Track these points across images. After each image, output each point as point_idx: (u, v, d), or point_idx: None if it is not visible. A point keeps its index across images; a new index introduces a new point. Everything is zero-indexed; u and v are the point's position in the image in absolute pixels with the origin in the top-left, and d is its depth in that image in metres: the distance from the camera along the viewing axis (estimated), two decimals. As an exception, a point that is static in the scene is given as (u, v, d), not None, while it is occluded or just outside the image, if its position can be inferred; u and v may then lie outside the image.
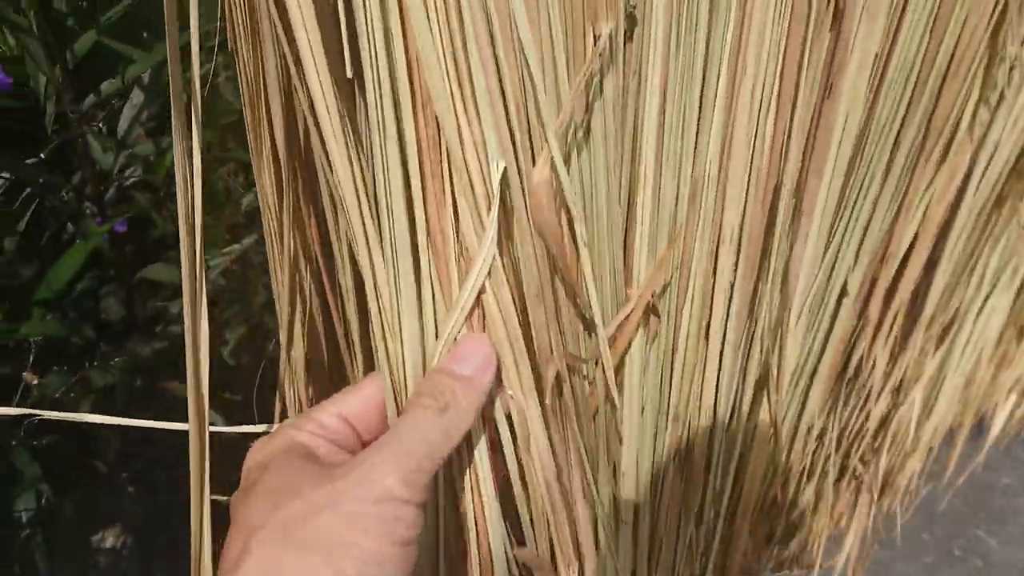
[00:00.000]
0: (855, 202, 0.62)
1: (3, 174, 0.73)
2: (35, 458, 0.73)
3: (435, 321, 0.35)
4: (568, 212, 0.38)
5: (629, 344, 0.47)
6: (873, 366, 0.79)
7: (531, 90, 0.32)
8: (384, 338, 0.34)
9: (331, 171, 0.30)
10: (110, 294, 0.89)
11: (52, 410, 0.72)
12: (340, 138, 0.30)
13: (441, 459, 0.33)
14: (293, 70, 0.30)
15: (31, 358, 0.62)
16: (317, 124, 0.30)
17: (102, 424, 0.43)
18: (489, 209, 0.32)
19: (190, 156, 0.28)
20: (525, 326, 0.37)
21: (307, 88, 0.28)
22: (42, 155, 0.68)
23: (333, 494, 0.30)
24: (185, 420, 0.46)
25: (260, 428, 0.38)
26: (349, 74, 0.29)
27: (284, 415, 0.43)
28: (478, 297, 0.35)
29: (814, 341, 0.71)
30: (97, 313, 0.85)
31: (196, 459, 0.31)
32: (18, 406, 0.60)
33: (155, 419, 0.57)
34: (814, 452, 0.85)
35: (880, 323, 0.75)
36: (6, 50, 0.62)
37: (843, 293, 0.69)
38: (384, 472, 0.31)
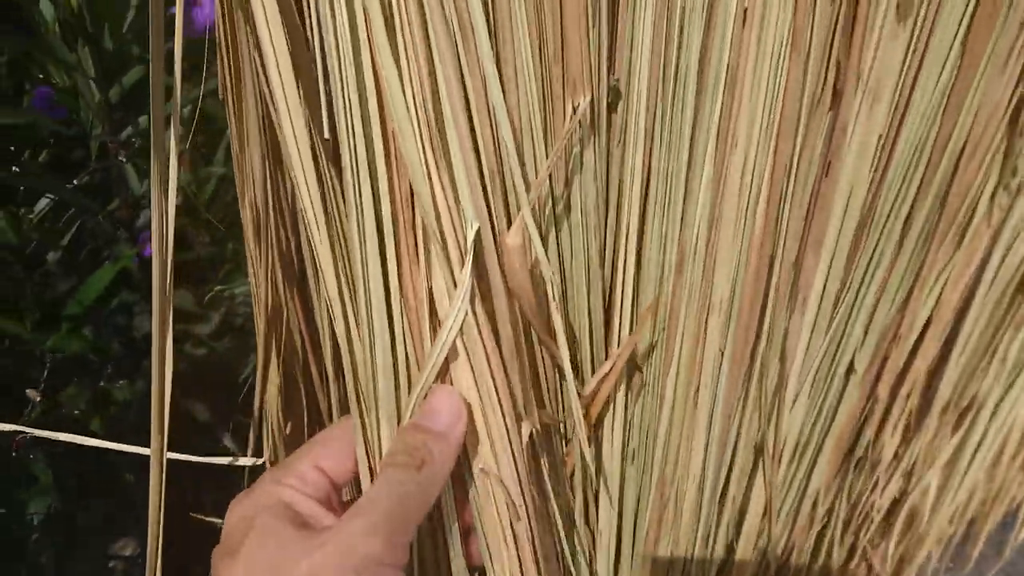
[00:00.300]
0: (863, 280, 0.61)
1: (50, 195, 0.78)
2: (52, 464, 0.76)
3: (408, 381, 0.36)
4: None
5: (609, 404, 0.48)
6: (884, 447, 0.78)
7: (505, 158, 0.33)
8: (360, 401, 0.35)
9: (307, 224, 0.32)
10: (144, 312, 0.93)
11: (68, 422, 0.75)
12: (317, 195, 0.31)
13: (422, 514, 0.34)
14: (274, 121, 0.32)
15: (45, 372, 0.65)
16: (293, 178, 0.31)
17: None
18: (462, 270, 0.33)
19: (166, 189, 0.31)
20: (499, 384, 0.37)
21: (285, 144, 0.30)
22: (76, 180, 0.72)
23: (316, 567, 0.31)
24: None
25: (223, 460, 0.39)
26: (327, 135, 0.31)
27: (258, 448, 0.44)
28: (451, 356, 0.36)
29: (819, 416, 0.70)
30: (130, 331, 0.89)
31: (155, 483, 0.33)
32: (31, 416, 0.63)
33: (177, 436, 0.59)
34: (820, 532, 0.83)
35: (891, 404, 0.74)
36: (60, 83, 0.67)
37: (850, 370, 0.68)
38: (366, 539, 0.31)
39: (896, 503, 0.86)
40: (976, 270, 0.67)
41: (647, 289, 0.47)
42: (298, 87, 0.31)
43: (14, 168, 0.74)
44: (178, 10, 0.31)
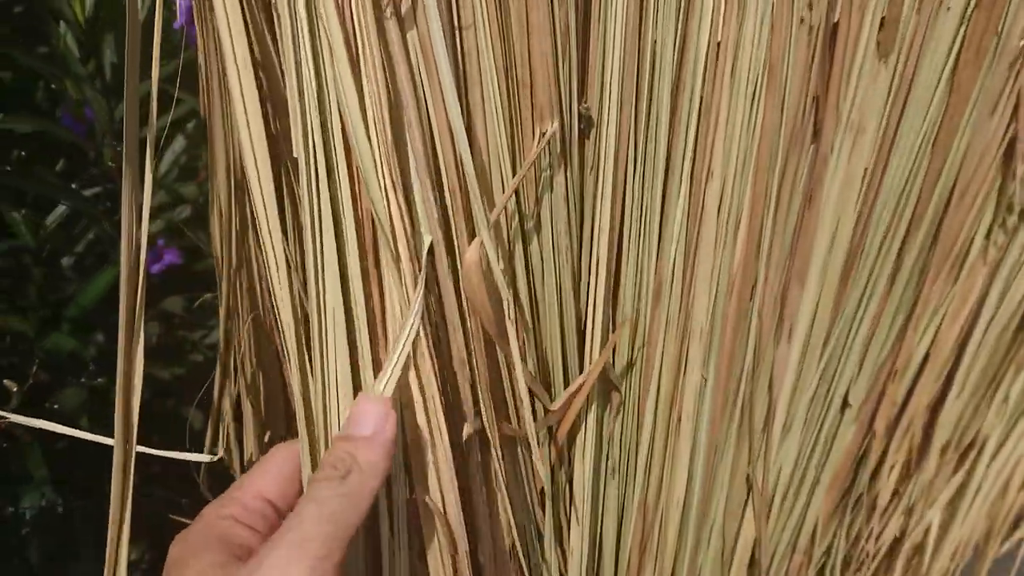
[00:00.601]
0: (855, 311, 0.62)
1: (65, 203, 0.81)
2: (49, 461, 0.78)
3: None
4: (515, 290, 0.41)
5: (581, 421, 0.49)
6: (883, 484, 0.78)
7: (468, 178, 0.35)
8: (308, 417, 0.36)
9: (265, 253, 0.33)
10: (153, 319, 0.96)
11: (60, 420, 0.77)
12: (275, 215, 0.33)
13: (352, 528, 0.33)
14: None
15: (34, 367, 0.67)
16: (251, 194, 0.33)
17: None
18: (416, 286, 0.35)
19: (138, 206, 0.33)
20: (448, 396, 0.39)
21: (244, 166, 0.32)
22: (87, 191, 0.75)
23: None
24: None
25: (192, 456, 0.41)
26: (296, 154, 0.33)
27: (214, 444, 0.46)
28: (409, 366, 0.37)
29: (813, 451, 0.70)
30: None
31: (118, 479, 0.35)
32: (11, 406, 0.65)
33: (168, 441, 0.61)
34: (819, 570, 0.83)
35: (889, 440, 0.74)
36: (76, 95, 0.70)
37: (845, 404, 0.69)
38: (288, 567, 0.30)
39: (897, 541, 0.86)
40: (974, 306, 0.67)
41: (624, 311, 0.48)
42: (262, 109, 0.32)
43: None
44: (156, 33, 0.33)
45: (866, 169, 0.51)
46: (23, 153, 0.77)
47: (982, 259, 0.63)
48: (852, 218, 0.53)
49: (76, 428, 0.68)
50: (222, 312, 0.43)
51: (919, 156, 0.53)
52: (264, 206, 0.33)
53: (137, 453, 0.38)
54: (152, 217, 0.84)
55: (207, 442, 0.45)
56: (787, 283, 0.55)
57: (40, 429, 0.66)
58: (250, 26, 0.31)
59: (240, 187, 0.39)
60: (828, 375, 0.65)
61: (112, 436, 0.38)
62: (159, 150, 0.77)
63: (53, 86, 0.73)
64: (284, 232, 0.33)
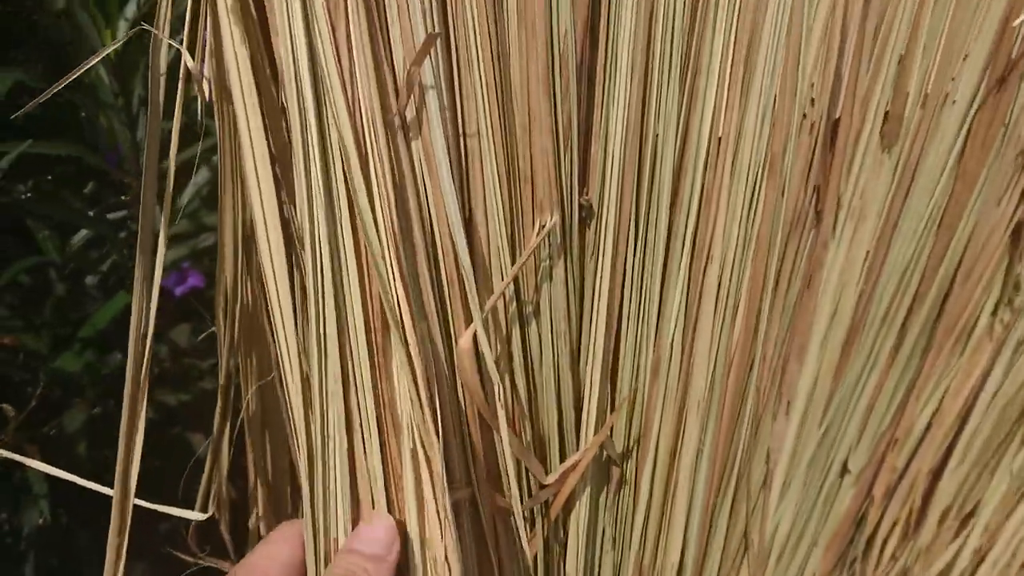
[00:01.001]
0: (856, 382, 0.63)
1: (87, 229, 0.84)
2: (51, 479, 0.81)
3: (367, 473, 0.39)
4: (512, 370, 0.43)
5: (576, 496, 0.50)
6: (881, 549, 0.79)
7: (463, 272, 0.37)
8: (312, 501, 0.38)
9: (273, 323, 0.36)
10: (163, 343, 0.98)
11: (63, 443, 0.80)
12: (286, 291, 0.35)
13: None
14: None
15: (39, 389, 0.70)
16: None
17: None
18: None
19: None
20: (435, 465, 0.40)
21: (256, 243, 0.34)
22: (104, 212, 0.78)
23: None
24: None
25: (184, 512, 0.43)
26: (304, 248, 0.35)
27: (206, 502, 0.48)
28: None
29: (811, 515, 0.71)
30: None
31: (115, 528, 0.37)
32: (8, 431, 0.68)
33: (171, 468, 0.64)
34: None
35: (888, 504, 0.75)
36: (106, 125, 0.73)
37: (844, 471, 0.70)
38: None
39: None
40: (979, 380, 0.68)
41: (623, 388, 0.50)
42: (277, 197, 0.35)
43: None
44: (178, 104, 0.35)
45: (868, 252, 0.52)
46: (48, 177, 0.81)
47: (988, 336, 0.64)
48: (853, 297, 0.55)
49: (74, 453, 0.70)
50: (221, 375, 0.45)
51: (923, 238, 0.55)
52: (277, 288, 0.35)
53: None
54: (175, 244, 0.87)
55: (198, 498, 0.48)
56: (786, 359, 0.56)
57: (43, 445, 0.68)
58: (267, 121, 0.33)
59: (248, 260, 0.41)
60: (827, 442, 0.66)
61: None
62: (184, 180, 0.79)
63: (83, 114, 0.77)
64: (295, 316, 0.36)
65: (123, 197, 0.83)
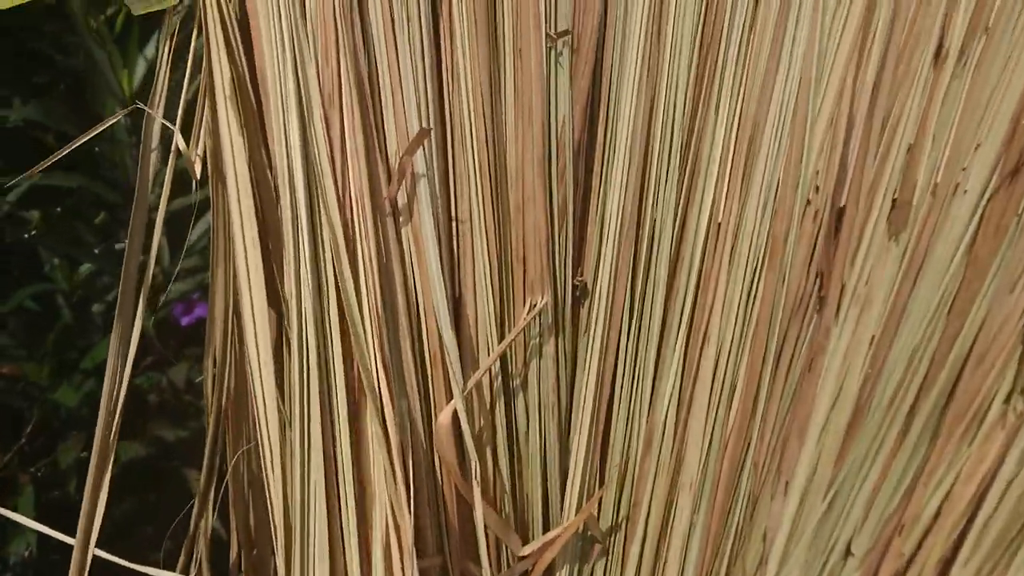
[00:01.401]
0: (860, 467, 0.62)
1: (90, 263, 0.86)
2: (40, 506, 0.82)
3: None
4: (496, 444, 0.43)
5: (553, 570, 0.50)
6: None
7: (447, 350, 0.37)
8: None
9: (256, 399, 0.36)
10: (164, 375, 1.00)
11: (60, 479, 0.81)
12: (270, 375, 0.36)
13: None
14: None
15: (31, 424, 0.71)
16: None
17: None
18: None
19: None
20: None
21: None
22: (113, 242, 0.80)
23: None
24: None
25: (154, 571, 0.43)
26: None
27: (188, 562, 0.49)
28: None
29: (811, 596, 0.70)
30: (140, 391, 0.96)
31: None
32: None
33: (167, 501, 0.64)
34: None
35: (893, 591, 0.73)
36: (119, 160, 0.76)
37: (848, 553, 0.69)
38: None
39: None
40: (992, 466, 0.67)
41: (613, 460, 0.50)
42: (265, 271, 0.35)
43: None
44: (169, 170, 0.36)
45: (873, 336, 0.52)
46: (58, 209, 0.83)
47: (1000, 424, 0.63)
48: (858, 381, 0.54)
49: (67, 487, 0.71)
50: (207, 449, 0.46)
51: (932, 324, 0.54)
52: (260, 366, 0.36)
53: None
54: (183, 279, 0.89)
55: (180, 561, 0.48)
56: (785, 439, 0.56)
57: (37, 472, 0.69)
58: (260, 203, 0.34)
59: (236, 324, 0.42)
60: (829, 523, 0.66)
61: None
62: (195, 219, 0.81)
63: (97, 148, 0.79)
64: (280, 387, 0.36)
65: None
